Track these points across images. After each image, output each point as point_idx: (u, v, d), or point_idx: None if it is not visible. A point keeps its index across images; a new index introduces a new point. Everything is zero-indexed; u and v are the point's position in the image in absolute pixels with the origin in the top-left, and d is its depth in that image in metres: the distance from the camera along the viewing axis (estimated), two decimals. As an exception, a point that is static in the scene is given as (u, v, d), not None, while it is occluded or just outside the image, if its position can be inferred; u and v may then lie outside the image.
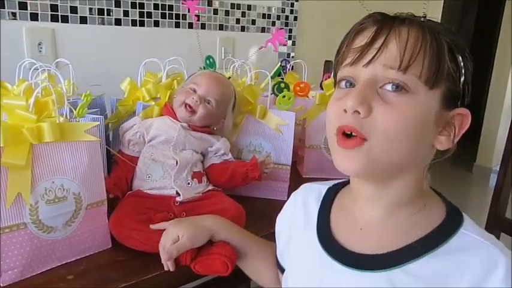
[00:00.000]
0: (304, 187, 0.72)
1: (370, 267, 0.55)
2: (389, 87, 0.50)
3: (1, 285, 0.70)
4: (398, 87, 0.50)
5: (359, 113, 0.50)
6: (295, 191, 0.73)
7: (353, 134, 0.51)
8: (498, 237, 1.58)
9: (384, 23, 0.51)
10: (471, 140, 4.06)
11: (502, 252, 0.51)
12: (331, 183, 0.69)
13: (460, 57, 0.52)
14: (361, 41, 0.52)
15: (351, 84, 0.54)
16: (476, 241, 0.53)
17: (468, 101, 0.54)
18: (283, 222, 0.72)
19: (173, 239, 0.72)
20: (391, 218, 0.57)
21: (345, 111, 0.51)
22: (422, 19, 0.52)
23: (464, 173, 3.95)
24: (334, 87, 0.59)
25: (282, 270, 0.71)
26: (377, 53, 0.50)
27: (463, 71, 0.52)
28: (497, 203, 1.59)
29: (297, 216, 0.69)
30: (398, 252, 0.54)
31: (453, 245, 0.53)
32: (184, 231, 0.72)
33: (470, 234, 0.53)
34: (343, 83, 0.55)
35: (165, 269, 0.74)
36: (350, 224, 0.61)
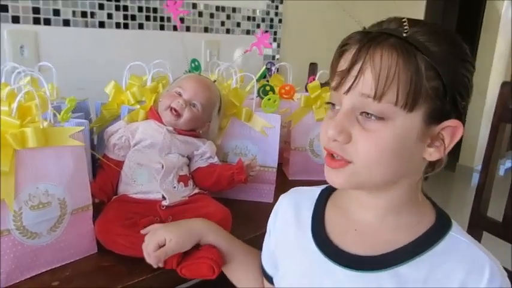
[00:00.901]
0: (295, 190, 0.73)
1: (364, 267, 0.57)
2: (366, 115, 0.52)
3: (-16, 292, 0.69)
4: (375, 116, 0.52)
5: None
6: (285, 194, 0.74)
7: (337, 157, 0.55)
8: (480, 236, 1.61)
9: (361, 46, 0.52)
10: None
11: (487, 255, 0.54)
12: (322, 186, 0.70)
13: (443, 70, 0.51)
14: (342, 65, 0.54)
15: (335, 106, 0.57)
16: (464, 243, 0.56)
17: (464, 108, 0.54)
18: (274, 224, 0.73)
19: (159, 241, 0.72)
20: (384, 221, 0.59)
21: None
22: (405, 33, 0.52)
23: (447, 172, 4.02)
24: None
25: (267, 278, 0.72)
26: (354, 81, 0.52)
27: (446, 84, 0.51)
28: (480, 202, 1.62)
29: (288, 218, 0.70)
30: (390, 254, 0.56)
31: (442, 247, 0.55)
32: (173, 235, 0.72)
33: (459, 237, 0.56)
34: (330, 104, 0.58)
35: (155, 267, 0.74)
36: (345, 225, 0.62)
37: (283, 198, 0.73)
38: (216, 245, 0.76)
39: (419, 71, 0.50)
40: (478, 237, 1.62)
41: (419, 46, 0.50)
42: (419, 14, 2.69)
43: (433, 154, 0.55)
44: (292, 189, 0.74)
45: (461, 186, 3.72)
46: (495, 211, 1.53)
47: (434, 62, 0.50)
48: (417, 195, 0.60)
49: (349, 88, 0.52)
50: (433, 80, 0.51)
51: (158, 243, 0.72)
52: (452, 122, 0.53)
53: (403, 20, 0.53)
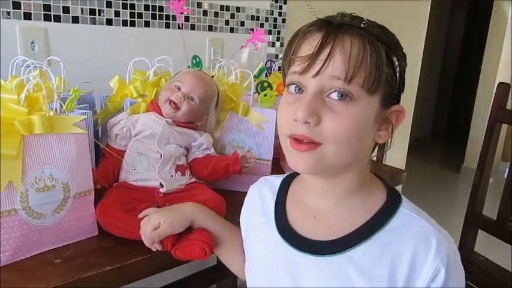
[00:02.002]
0: (261, 180, 0.78)
1: (321, 252, 0.61)
2: (335, 95, 0.55)
3: (-7, 267, 0.75)
4: (343, 96, 0.55)
5: (309, 122, 0.55)
6: (253, 185, 0.79)
7: (305, 140, 0.57)
8: (476, 234, 1.64)
9: (329, 32, 0.55)
10: (460, 143, 4.14)
11: (433, 227, 0.58)
12: (284, 175, 0.74)
13: (395, 59, 0.57)
14: (307, 50, 0.56)
15: (300, 89, 0.58)
16: (413, 218, 0.60)
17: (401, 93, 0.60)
18: (243, 214, 0.78)
19: (154, 225, 0.77)
20: (340, 207, 0.63)
21: (296, 120, 0.56)
22: (362, 24, 0.56)
23: (452, 174, 4.02)
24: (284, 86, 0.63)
25: None
26: (323, 64, 0.54)
27: (397, 72, 0.57)
28: (475, 201, 1.65)
29: (254, 208, 0.75)
30: (345, 238, 0.60)
31: (394, 224, 0.59)
32: (166, 218, 0.77)
33: (409, 212, 0.60)
34: (292, 88, 0.59)
35: (154, 250, 0.79)
36: (304, 213, 0.66)
37: (251, 188, 0.78)
38: (208, 228, 0.81)
39: (382, 57, 0.55)
40: (473, 235, 1.65)
41: (378, 36, 0.56)
42: (424, 14, 2.71)
43: (382, 136, 0.60)
44: (261, 178, 0.79)
45: (465, 188, 3.72)
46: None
47: (390, 51, 0.56)
48: (367, 176, 0.64)
49: (318, 71, 0.55)
50: (389, 67, 0.56)
51: (153, 226, 0.77)
52: (399, 107, 0.59)
53: (353, 14, 0.58)
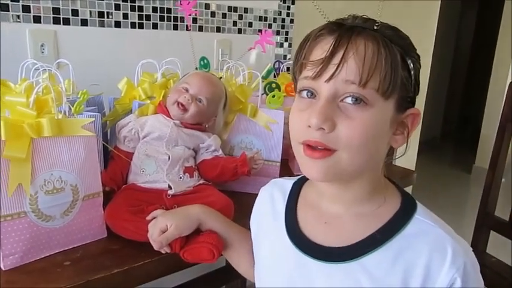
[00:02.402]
0: (272, 182, 0.77)
1: (333, 259, 0.59)
2: (349, 100, 0.54)
3: (3, 269, 0.75)
4: (358, 100, 0.53)
5: (324, 129, 0.54)
6: (264, 187, 0.78)
7: (319, 147, 0.55)
8: (488, 235, 1.62)
9: (341, 35, 0.54)
10: (470, 143, 4.10)
11: (450, 236, 0.57)
12: (296, 177, 0.73)
13: (410, 61, 0.56)
14: (320, 54, 0.54)
15: (312, 95, 0.57)
16: (428, 225, 0.58)
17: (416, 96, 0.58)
18: (254, 216, 0.78)
19: (161, 228, 0.76)
20: (353, 213, 0.62)
21: (309, 126, 0.54)
22: (376, 26, 0.55)
23: (463, 174, 3.98)
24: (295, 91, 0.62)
25: None
26: (337, 68, 0.53)
27: (412, 74, 0.56)
28: (487, 201, 1.63)
29: (264, 210, 0.74)
30: (357, 245, 0.58)
31: (408, 231, 0.58)
32: (173, 221, 0.77)
33: (424, 220, 0.58)
34: (304, 93, 0.58)
35: (163, 252, 0.79)
36: (315, 218, 0.65)
37: (262, 190, 0.78)
38: (215, 230, 0.80)
39: (396, 60, 0.53)
40: (485, 236, 1.63)
41: (392, 38, 0.54)
42: (433, 14, 2.68)
43: (399, 141, 0.58)
44: (272, 180, 0.78)
45: (477, 188, 3.68)
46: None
47: (405, 53, 0.55)
48: (380, 182, 0.62)
49: (332, 75, 0.53)
50: (404, 70, 0.54)
51: (161, 229, 0.77)
52: (414, 110, 0.58)
53: (365, 16, 0.57)
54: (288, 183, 0.73)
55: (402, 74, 0.54)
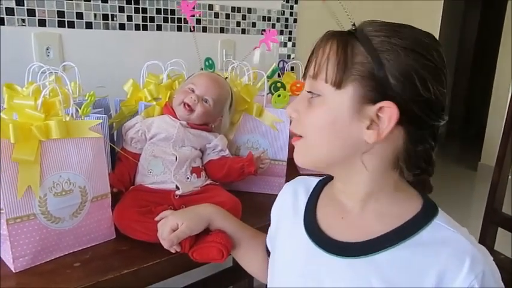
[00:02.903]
0: (297, 179, 0.78)
1: (345, 254, 0.60)
2: (309, 94, 0.62)
3: (13, 271, 0.75)
4: (312, 93, 0.61)
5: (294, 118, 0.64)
6: (289, 182, 0.79)
7: (293, 134, 0.65)
8: (495, 232, 1.61)
9: (321, 39, 0.61)
10: (476, 140, 4.08)
11: (470, 242, 0.56)
12: (322, 176, 0.74)
13: (378, 57, 0.56)
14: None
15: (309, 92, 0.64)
16: (448, 231, 0.58)
17: (397, 93, 0.56)
18: (275, 210, 0.78)
19: (172, 226, 0.77)
20: (366, 210, 0.63)
21: None
22: (353, 28, 0.60)
23: (469, 172, 3.97)
24: None
25: (269, 255, 0.77)
26: (307, 67, 0.62)
27: (381, 69, 0.56)
28: (494, 198, 1.62)
29: (286, 205, 0.74)
30: (370, 242, 0.59)
31: (426, 235, 0.57)
32: (183, 220, 0.78)
33: (443, 225, 0.58)
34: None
35: (173, 251, 0.80)
36: (333, 213, 0.66)
37: (286, 185, 0.78)
38: (224, 229, 0.81)
39: (349, 55, 0.57)
40: (492, 233, 1.63)
41: (359, 37, 0.58)
42: (436, 14, 2.68)
43: (371, 136, 0.57)
44: (298, 177, 0.78)
45: (483, 185, 3.66)
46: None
47: (369, 50, 0.56)
48: (396, 183, 0.62)
49: (305, 73, 0.63)
50: (364, 64, 0.56)
51: (171, 228, 0.77)
52: (384, 103, 0.56)
53: (371, 21, 0.60)
54: (313, 180, 0.75)
55: (358, 68, 0.57)
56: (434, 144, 0.61)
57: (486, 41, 4.71)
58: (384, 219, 0.61)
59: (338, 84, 0.58)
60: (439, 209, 0.61)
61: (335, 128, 0.59)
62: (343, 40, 0.58)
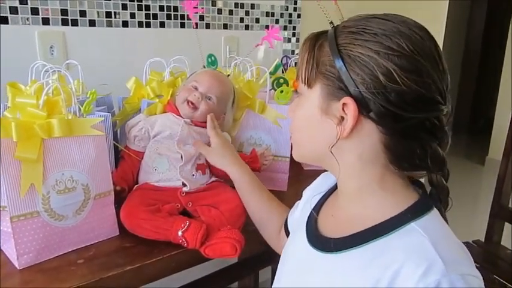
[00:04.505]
0: (327, 174, 0.79)
1: (324, 248, 0.63)
2: (296, 94, 0.67)
3: (17, 268, 0.76)
4: (296, 92, 0.67)
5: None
6: (325, 173, 0.79)
7: None
8: (502, 227, 1.60)
9: (302, 43, 0.64)
10: (483, 135, 4.05)
11: (439, 255, 0.51)
12: None
13: (341, 58, 0.56)
14: None
15: None
16: (420, 237, 0.54)
17: (359, 88, 0.55)
18: (308, 192, 0.82)
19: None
20: (351, 206, 0.64)
21: None
22: (332, 27, 0.62)
23: (477, 166, 3.94)
24: None
25: (286, 232, 0.83)
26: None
27: (343, 67, 0.56)
28: (501, 193, 1.61)
29: (307, 197, 0.79)
30: (345, 238, 0.60)
31: (396, 237, 0.56)
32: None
33: (418, 229, 0.55)
34: None
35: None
36: (328, 210, 0.69)
37: (322, 175, 0.80)
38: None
39: (316, 55, 0.60)
40: (499, 229, 1.61)
41: (328, 36, 0.60)
42: (441, 14, 2.66)
43: (338, 132, 0.58)
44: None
45: (490, 180, 3.64)
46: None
47: (331, 47, 0.58)
48: (382, 181, 0.61)
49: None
50: (329, 62, 0.58)
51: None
52: (345, 99, 0.56)
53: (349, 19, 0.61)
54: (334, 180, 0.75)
55: (326, 67, 0.58)
56: (433, 138, 0.57)
57: (493, 35, 4.67)
58: (363, 217, 0.61)
59: (309, 84, 0.61)
60: (431, 212, 0.59)
61: (310, 125, 0.63)
62: (314, 40, 0.61)
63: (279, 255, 0.78)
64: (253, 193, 0.92)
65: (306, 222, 0.71)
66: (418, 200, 0.60)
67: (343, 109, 0.57)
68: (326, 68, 0.58)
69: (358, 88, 0.55)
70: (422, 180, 0.65)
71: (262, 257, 1.42)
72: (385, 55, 0.54)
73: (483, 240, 1.64)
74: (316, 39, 0.61)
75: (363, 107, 0.56)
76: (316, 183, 0.80)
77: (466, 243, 1.60)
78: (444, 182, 0.60)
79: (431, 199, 0.61)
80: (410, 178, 0.64)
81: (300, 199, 0.84)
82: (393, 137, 0.57)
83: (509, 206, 1.61)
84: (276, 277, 0.74)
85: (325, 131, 0.60)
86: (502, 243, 1.62)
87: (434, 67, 0.55)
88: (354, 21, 0.59)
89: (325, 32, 0.61)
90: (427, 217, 0.58)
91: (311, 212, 0.71)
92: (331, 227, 0.65)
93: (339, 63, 0.56)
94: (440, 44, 2.69)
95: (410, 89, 0.54)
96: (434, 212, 0.59)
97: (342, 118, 0.58)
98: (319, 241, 0.64)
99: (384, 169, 0.60)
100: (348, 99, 0.56)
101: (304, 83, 0.62)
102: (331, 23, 0.63)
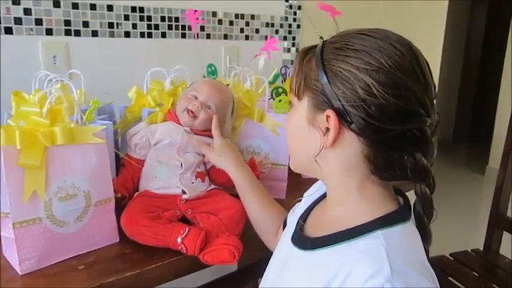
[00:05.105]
0: None
1: (301, 246, 0.66)
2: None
3: (19, 274, 0.78)
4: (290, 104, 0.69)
5: None
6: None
7: None
8: (501, 236, 1.60)
9: (296, 57, 0.67)
10: (483, 144, 4.06)
11: (386, 258, 0.53)
12: None
13: (324, 73, 0.59)
14: None
15: None
16: (377, 243, 0.56)
17: (340, 101, 0.58)
18: (303, 199, 0.83)
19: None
20: (333, 210, 0.67)
21: None
22: (321, 42, 0.64)
23: (477, 176, 3.94)
24: None
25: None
26: None
27: (326, 81, 0.59)
28: (499, 202, 1.62)
29: (309, 197, 0.80)
30: (317, 239, 0.63)
31: (359, 242, 0.58)
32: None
33: (380, 237, 0.56)
34: None
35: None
36: (317, 212, 0.73)
37: (318, 181, 0.81)
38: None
39: (305, 68, 0.63)
40: (497, 237, 1.62)
41: (316, 50, 0.62)
42: (441, 14, 2.68)
43: (323, 143, 0.61)
44: None
45: (490, 189, 3.64)
46: None
47: (316, 61, 0.61)
48: (361, 189, 0.63)
49: None
50: (314, 75, 0.61)
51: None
52: (328, 112, 0.59)
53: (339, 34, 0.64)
54: None
55: (312, 81, 0.61)
56: (415, 149, 0.58)
57: (493, 41, 4.69)
58: (340, 220, 0.63)
59: (298, 96, 0.65)
60: (403, 224, 0.60)
61: (299, 136, 0.67)
62: (304, 55, 0.64)
63: None
64: (253, 193, 0.93)
65: (296, 222, 0.73)
66: (395, 210, 0.62)
67: (327, 121, 0.60)
68: (312, 82, 0.61)
69: (340, 101, 0.58)
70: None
71: (261, 264, 1.43)
72: (364, 70, 0.57)
73: (482, 249, 1.64)
74: (306, 54, 0.64)
75: (344, 119, 0.58)
76: (315, 187, 0.82)
77: (465, 252, 1.61)
78: (428, 192, 0.60)
79: (415, 210, 0.62)
80: (396, 189, 0.67)
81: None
82: (374, 148, 0.59)
83: (508, 215, 1.61)
84: (264, 275, 0.76)
85: (311, 141, 0.63)
86: (500, 252, 1.62)
87: (414, 80, 0.57)
88: (339, 36, 0.62)
89: (315, 47, 0.64)
90: (395, 228, 0.59)
91: (304, 211, 0.75)
92: (314, 227, 0.69)
93: (322, 78, 0.59)
94: (440, 48, 2.71)
95: (389, 102, 0.56)
96: (407, 225, 0.60)
97: (327, 129, 0.60)
98: (300, 240, 0.67)
99: (365, 178, 0.62)
100: (330, 112, 0.59)
101: (295, 94, 0.65)
102: (321, 37, 0.66)
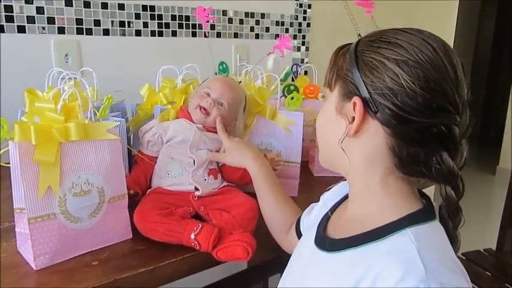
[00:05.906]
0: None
1: (325, 248, 0.64)
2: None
3: (34, 269, 0.78)
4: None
5: None
6: (345, 181, 0.78)
7: None
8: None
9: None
10: (494, 144, 4.02)
11: (418, 257, 0.51)
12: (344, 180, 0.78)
13: (356, 63, 0.60)
14: None
15: None
16: (407, 242, 0.54)
17: (367, 88, 0.58)
18: (321, 201, 0.83)
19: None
20: (354, 208, 0.67)
21: None
22: (358, 38, 0.64)
23: (488, 176, 3.91)
24: None
25: (298, 233, 0.84)
26: None
27: (356, 70, 0.60)
28: (511, 203, 1.60)
29: (327, 200, 0.81)
30: (342, 240, 0.62)
31: (388, 242, 0.56)
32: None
33: (410, 235, 0.55)
34: None
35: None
36: (339, 212, 0.71)
37: (340, 183, 0.81)
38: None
39: (339, 62, 0.64)
40: (510, 238, 1.60)
41: (351, 47, 0.63)
42: (452, 14, 2.66)
43: (348, 131, 0.61)
44: None
45: (501, 189, 3.61)
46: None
47: (350, 53, 0.62)
48: (385, 185, 0.61)
49: None
50: (348, 68, 0.61)
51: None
52: (355, 99, 0.59)
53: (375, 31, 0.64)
54: None
55: (343, 72, 0.62)
56: (441, 147, 0.57)
57: (504, 41, 4.65)
58: (364, 218, 0.62)
59: (330, 87, 0.66)
60: (431, 222, 0.58)
61: (328, 125, 0.67)
62: (339, 50, 0.66)
63: None
64: (268, 187, 0.93)
65: (318, 223, 0.72)
66: (420, 208, 0.60)
67: (353, 109, 0.60)
68: (344, 72, 0.62)
69: (367, 89, 0.58)
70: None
71: (271, 264, 1.42)
72: (393, 60, 0.57)
73: (494, 249, 1.63)
74: (341, 49, 0.65)
75: (369, 107, 0.58)
76: (335, 189, 0.81)
77: (478, 252, 1.59)
78: (453, 196, 0.59)
79: (440, 214, 0.61)
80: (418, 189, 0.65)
81: (313, 202, 0.86)
82: (399, 139, 0.58)
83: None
84: (283, 275, 0.75)
85: (338, 130, 0.62)
86: (513, 252, 1.60)
87: (445, 77, 0.56)
88: (375, 32, 0.63)
89: (351, 43, 0.65)
90: (423, 226, 0.57)
91: (326, 213, 0.73)
92: (336, 227, 0.68)
93: (353, 67, 0.60)
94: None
95: (416, 94, 0.55)
96: (435, 224, 0.59)
97: (353, 118, 0.60)
98: (323, 240, 0.66)
99: (389, 172, 0.61)
100: (356, 99, 0.59)
101: (328, 85, 0.66)
102: (359, 35, 0.68)
